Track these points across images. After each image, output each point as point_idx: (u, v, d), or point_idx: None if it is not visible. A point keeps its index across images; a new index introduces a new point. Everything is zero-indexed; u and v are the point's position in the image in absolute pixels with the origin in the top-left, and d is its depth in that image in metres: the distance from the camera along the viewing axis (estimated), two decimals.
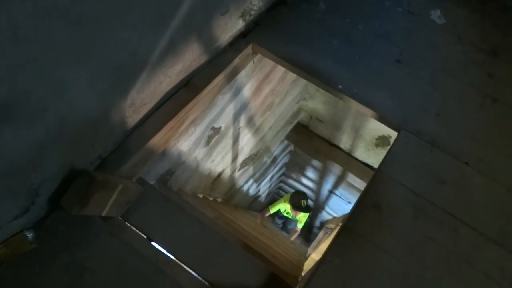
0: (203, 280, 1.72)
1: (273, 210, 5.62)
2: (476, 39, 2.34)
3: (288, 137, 5.80)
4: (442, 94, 2.11)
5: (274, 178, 8.01)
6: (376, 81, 2.13)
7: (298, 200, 5.21)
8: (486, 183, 1.84)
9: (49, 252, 1.51)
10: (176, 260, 1.74)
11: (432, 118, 2.03)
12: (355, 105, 2.10)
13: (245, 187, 5.95)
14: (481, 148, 1.95)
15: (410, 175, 1.84)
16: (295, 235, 6.05)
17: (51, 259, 1.50)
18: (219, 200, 4.60)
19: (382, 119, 2.05)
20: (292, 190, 6.95)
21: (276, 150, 5.93)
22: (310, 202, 5.91)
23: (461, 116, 2.05)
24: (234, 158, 4.07)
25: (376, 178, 1.84)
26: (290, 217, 5.97)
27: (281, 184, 9.24)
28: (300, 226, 5.80)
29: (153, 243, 1.78)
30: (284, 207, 5.60)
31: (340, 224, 2.59)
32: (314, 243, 6.02)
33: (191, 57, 1.86)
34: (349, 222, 1.73)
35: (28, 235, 1.46)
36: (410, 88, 2.13)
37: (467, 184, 1.84)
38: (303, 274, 3.36)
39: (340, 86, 2.09)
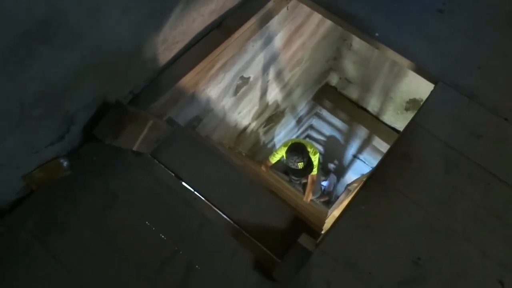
0: (228, 219, 1.75)
1: (273, 159, 4.37)
2: None
3: (315, 98, 5.71)
4: (485, 46, 2.00)
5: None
6: (416, 30, 2.03)
7: (293, 163, 3.90)
8: None
9: (82, 179, 1.56)
10: (203, 199, 1.77)
11: (472, 71, 1.93)
12: (391, 55, 2.02)
13: (269, 146, 5.94)
14: None
15: (444, 127, 1.79)
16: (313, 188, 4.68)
17: (85, 185, 1.55)
18: (243, 154, 4.63)
19: (419, 70, 1.97)
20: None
21: (302, 110, 5.85)
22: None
23: (503, 70, 1.94)
24: (261, 113, 4.05)
25: (409, 128, 1.80)
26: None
27: None
28: (314, 172, 4.46)
29: (180, 181, 1.81)
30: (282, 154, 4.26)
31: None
32: (335, 205, 6.03)
33: None
34: (378, 170, 1.70)
35: (63, 162, 1.51)
36: (450, 39, 2.02)
37: (504, 140, 1.77)
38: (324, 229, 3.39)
39: (377, 34, 2.00)
